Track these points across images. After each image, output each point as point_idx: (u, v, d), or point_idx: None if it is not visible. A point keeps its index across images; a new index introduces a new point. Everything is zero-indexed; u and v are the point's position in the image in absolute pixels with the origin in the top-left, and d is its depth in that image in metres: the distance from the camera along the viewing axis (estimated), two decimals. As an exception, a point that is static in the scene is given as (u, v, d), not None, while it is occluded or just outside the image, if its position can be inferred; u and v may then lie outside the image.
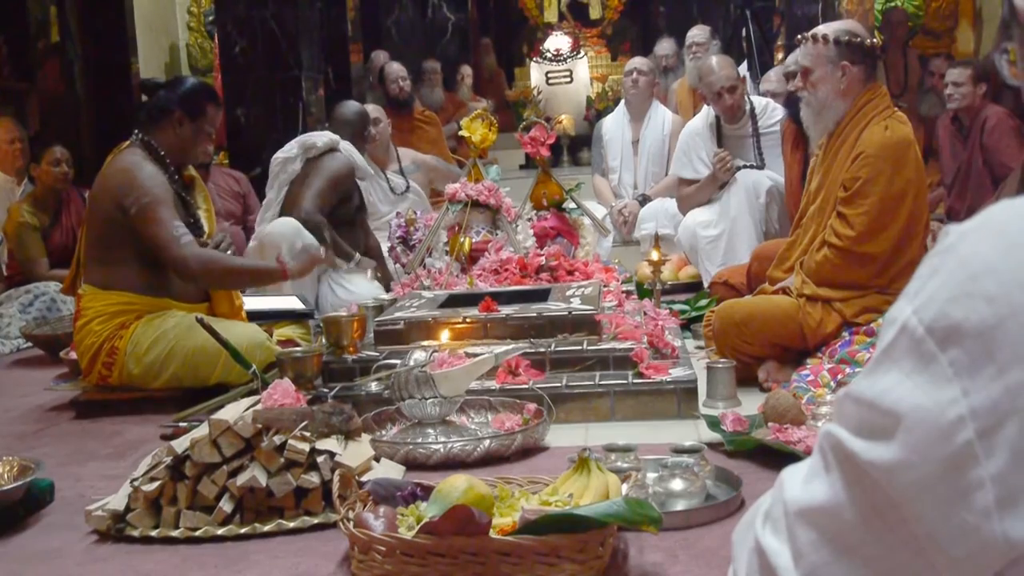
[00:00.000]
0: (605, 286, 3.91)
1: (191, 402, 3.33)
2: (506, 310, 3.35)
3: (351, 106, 5.45)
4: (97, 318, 3.53)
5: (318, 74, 6.95)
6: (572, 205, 4.58)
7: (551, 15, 12.10)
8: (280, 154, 4.93)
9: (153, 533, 2.25)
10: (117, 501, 2.32)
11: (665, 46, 7.96)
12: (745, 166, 5.17)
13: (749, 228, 4.96)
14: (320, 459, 2.28)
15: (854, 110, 3.34)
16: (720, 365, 3.16)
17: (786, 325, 3.29)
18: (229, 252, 3.77)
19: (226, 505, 2.26)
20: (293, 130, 6.37)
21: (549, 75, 10.19)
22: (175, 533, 2.24)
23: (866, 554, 0.75)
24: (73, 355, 3.90)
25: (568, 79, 10.21)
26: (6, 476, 2.55)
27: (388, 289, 4.59)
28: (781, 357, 3.32)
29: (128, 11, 8.29)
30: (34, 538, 2.35)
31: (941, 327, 0.72)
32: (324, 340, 3.48)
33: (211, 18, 9.43)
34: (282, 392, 2.44)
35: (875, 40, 3.45)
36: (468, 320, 3.34)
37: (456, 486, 1.94)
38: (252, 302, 4.03)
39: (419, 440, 2.71)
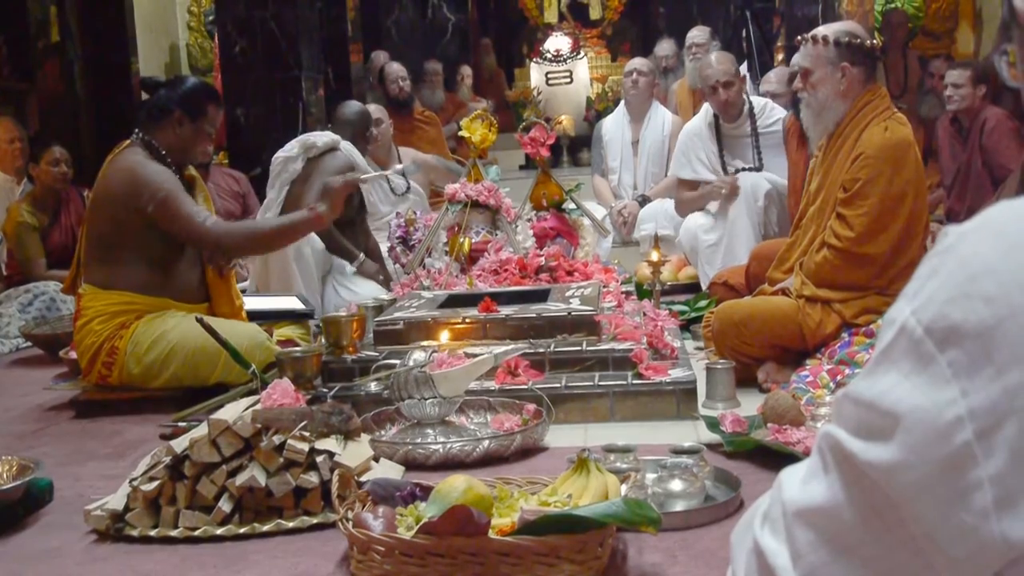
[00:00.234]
0: (605, 287, 3.91)
1: (190, 402, 3.33)
2: (505, 310, 3.35)
3: (352, 106, 5.46)
4: (97, 318, 3.53)
5: (318, 74, 6.95)
6: (572, 206, 4.58)
7: (551, 16, 12.10)
8: (281, 153, 4.94)
9: (152, 533, 2.25)
10: (116, 501, 2.32)
11: (665, 47, 7.96)
12: (743, 168, 5.17)
13: (748, 231, 4.94)
14: (319, 459, 2.28)
15: (854, 111, 3.35)
16: (719, 366, 3.16)
17: (785, 326, 3.29)
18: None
19: (225, 505, 2.26)
20: (293, 130, 6.37)
21: (549, 76, 10.19)
22: (174, 533, 2.24)
23: (865, 554, 0.75)
24: (72, 355, 3.90)
25: (568, 80, 10.21)
26: (5, 475, 2.55)
27: (389, 289, 4.59)
28: (780, 358, 3.32)
29: (128, 11, 8.29)
30: (33, 538, 2.35)
31: (940, 328, 0.72)
32: (323, 340, 3.48)
33: (211, 18, 9.44)
34: (281, 392, 2.44)
35: (875, 41, 3.45)
36: (467, 320, 3.34)
37: (455, 486, 1.94)
38: (252, 302, 4.03)
39: (418, 440, 2.71)
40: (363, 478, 2.27)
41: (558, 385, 3.06)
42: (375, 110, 6.09)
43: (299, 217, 3.72)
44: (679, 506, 2.21)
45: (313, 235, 4.64)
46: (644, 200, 6.24)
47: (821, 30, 3.45)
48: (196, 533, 2.23)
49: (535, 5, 12.24)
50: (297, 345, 3.79)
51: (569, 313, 3.30)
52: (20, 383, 4.27)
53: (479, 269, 4.00)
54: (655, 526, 1.81)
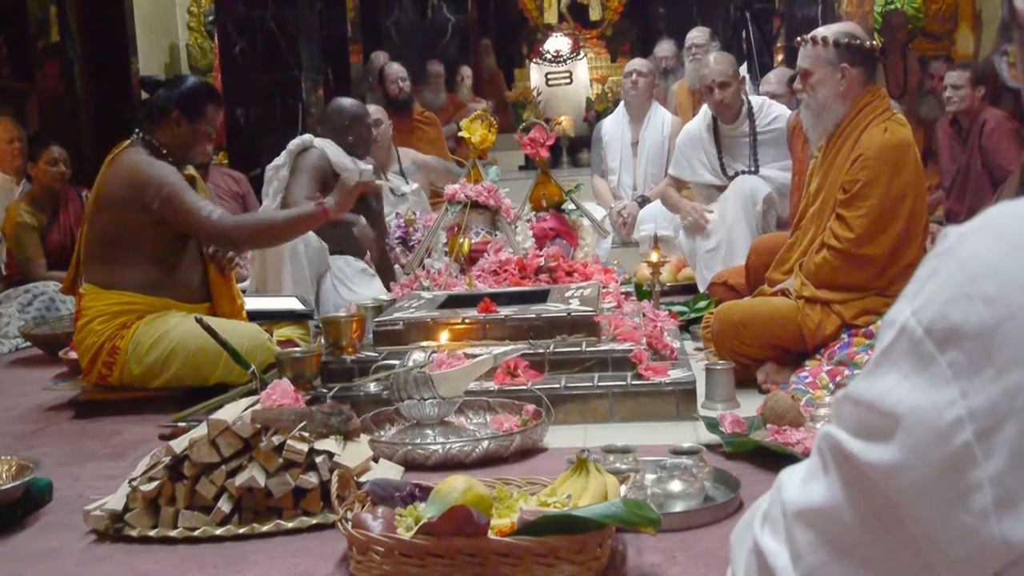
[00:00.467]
0: (604, 287, 3.91)
1: (190, 402, 3.33)
2: (505, 311, 3.35)
3: (333, 103, 5.42)
4: (98, 318, 3.53)
5: (318, 75, 6.95)
6: (571, 206, 4.58)
7: (551, 16, 12.10)
8: (273, 162, 4.99)
9: (151, 533, 2.25)
10: (116, 501, 2.32)
11: (665, 48, 7.96)
12: (742, 172, 5.16)
13: (745, 236, 4.92)
14: (319, 459, 2.28)
15: (853, 112, 3.35)
16: (719, 367, 3.16)
17: (785, 327, 3.29)
18: (228, 254, 3.77)
19: (224, 505, 2.26)
20: (292, 130, 6.37)
21: (549, 76, 10.19)
22: (173, 533, 2.24)
23: (864, 555, 0.75)
24: (72, 355, 3.90)
25: (568, 80, 10.21)
26: (5, 475, 2.55)
27: (391, 284, 4.60)
28: (780, 359, 3.32)
29: (128, 11, 8.29)
30: (32, 538, 2.35)
31: (940, 329, 0.72)
32: (323, 340, 3.48)
33: (211, 18, 9.44)
34: (281, 392, 2.44)
35: (875, 42, 3.45)
36: (467, 321, 3.34)
37: (455, 487, 1.94)
38: (252, 302, 4.03)
39: (418, 441, 2.71)
40: (362, 478, 2.27)
41: (557, 386, 3.06)
42: (375, 111, 6.08)
43: (306, 210, 3.72)
44: (678, 507, 2.21)
45: (310, 239, 4.65)
46: (643, 201, 6.24)
47: (821, 31, 3.45)
48: (195, 533, 2.23)
49: (535, 6, 12.24)
50: (297, 345, 3.79)
51: (568, 314, 3.30)
52: (19, 383, 4.26)
53: (479, 270, 4.00)
54: (654, 527, 1.81)
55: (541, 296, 3.57)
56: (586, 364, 3.17)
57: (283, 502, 2.27)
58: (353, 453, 2.35)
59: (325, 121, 5.30)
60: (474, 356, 2.92)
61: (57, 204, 5.68)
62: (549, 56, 10.43)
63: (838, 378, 3.06)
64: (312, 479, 2.27)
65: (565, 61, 10.35)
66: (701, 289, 4.88)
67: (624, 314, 3.58)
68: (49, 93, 7.79)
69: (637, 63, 6.64)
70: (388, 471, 2.46)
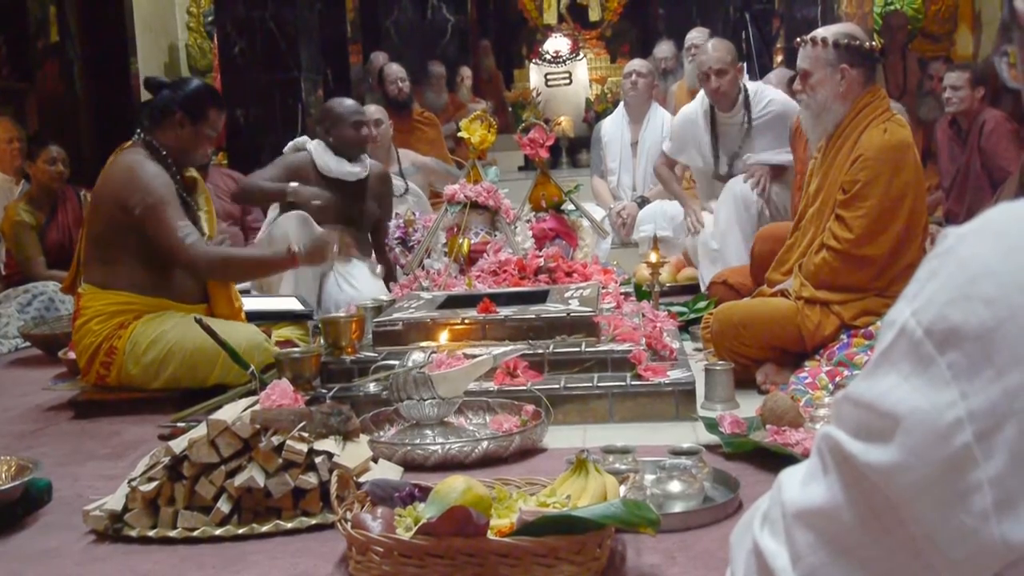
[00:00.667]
0: (603, 288, 3.91)
1: (189, 402, 3.33)
2: (504, 311, 3.35)
3: (326, 103, 5.42)
4: (96, 318, 3.53)
5: (317, 75, 6.95)
6: (571, 207, 4.58)
7: (550, 17, 12.10)
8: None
9: (151, 533, 2.25)
10: (115, 501, 2.32)
11: (664, 48, 7.96)
12: (732, 156, 5.12)
13: (738, 241, 4.92)
14: (318, 460, 2.28)
15: (853, 113, 3.35)
16: (718, 367, 3.16)
17: (784, 327, 3.29)
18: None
19: (224, 505, 2.26)
20: (292, 131, 6.38)
21: (548, 77, 10.20)
22: (173, 533, 2.24)
23: (864, 556, 0.75)
24: (71, 355, 3.90)
25: (567, 81, 10.22)
26: (4, 475, 2.55)
27: (391, 281, 4.60)
28: (779, 359, 3.32)
29: (127, 11, 8.30)
30: (32, 538, 2.35)
31: (940, 330, 0.72)
32: (322, 341, 3.48)
33: (210, 18, 9.44)
34: (280, 393, 2.44)
35: (874, 43, 3.45)
36: (466, 321, 3.33)
37: (454, 487, 1.94)
38: (251, 303, 4.03)
39: (417, 441, 2.71)
40: (362, 479, 2.27)
41: (557, 386, 3.06)
42: (375, 111, 6.08)
43: (276, 255, 3.75)
44: (678, 507, 2.21)
45: (317, 226, 4.65)
46: (643, 201, 6.24)
47: (820, 32, 3.45)
48: (195, 533, 2.23)
49: (534, 6, 12.24)
50: (296, 346, 3.79)
51: (568, 314, 3.30)
52: (19, 383, 4.26)
53: (478, 270, 4.00)
54: (654, 527, 1.81)
55: (540, 297, 3.57)
56: (585, 364, 3.17)
57: (282, 502, 2.27)
58: (352, 453, 2.35)
59: (317, 121, 5.32)
60: (473, 356, 2.92)
61: (55, 203, 5.67)
62: (548, 57, 10.44)
63: (837, 379, 3.06)
64: (311, 479, 2.27)
65: (564, 62, 10.35)
66: (703, 287, 4.88)
67: (623, 315, 3.58)
68: (49, 93, 7.80)
69: (636, 64, 6.64)
70: (387, 471, 2.46)
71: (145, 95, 4.34)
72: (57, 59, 7.82)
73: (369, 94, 8.30)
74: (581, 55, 10.67)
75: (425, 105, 7.99)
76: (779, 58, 8.01)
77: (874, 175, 3.22)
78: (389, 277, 4.91)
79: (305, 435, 2.31)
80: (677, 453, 2.37)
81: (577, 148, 9.54)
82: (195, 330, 3.31)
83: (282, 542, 2.20)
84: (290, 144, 5.09)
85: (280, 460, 2.27)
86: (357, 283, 4.75)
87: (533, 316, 3.32)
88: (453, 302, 3.58)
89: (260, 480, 2.24)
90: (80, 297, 3.61)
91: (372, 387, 3.15)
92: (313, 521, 2.25)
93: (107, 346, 3.51)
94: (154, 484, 2.29)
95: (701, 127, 5.23)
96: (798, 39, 3.56)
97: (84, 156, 7.16)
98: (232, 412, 2.38)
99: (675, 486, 2.25)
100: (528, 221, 4.43)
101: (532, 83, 10.22)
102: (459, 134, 4.65)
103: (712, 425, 2.72)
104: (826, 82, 3.35)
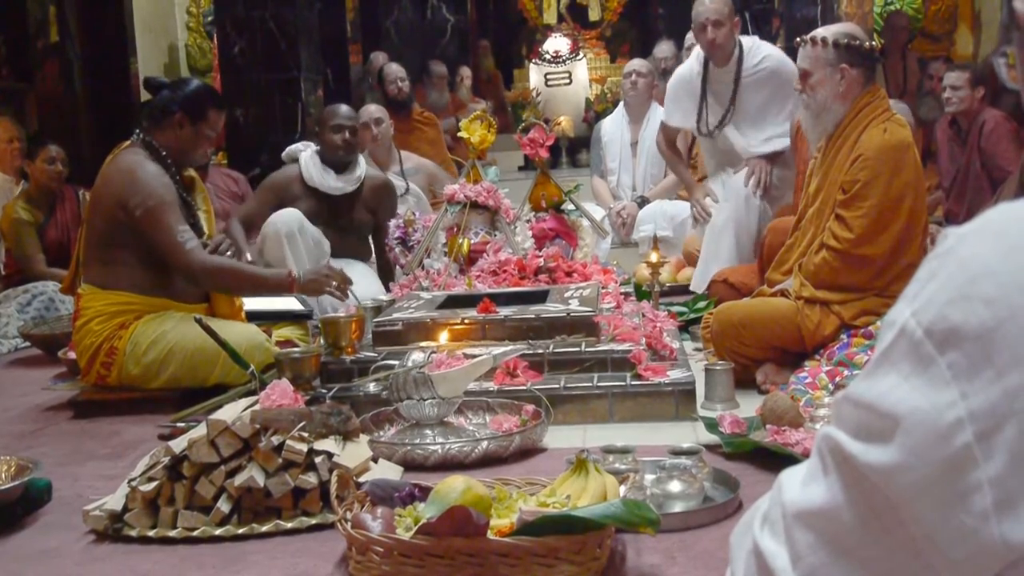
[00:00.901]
0: (603, 288, 3.91)
1: (189, 402, 3.33)
2: (504, 311, 3.35)
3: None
4: (96, 318, 3.53)
5: (317, 75, 6.95)
6: (571, 206, 4.58)
7: (550, 17, 12.10)
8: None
9: (151, 533, 2.25)
10: (115, 501, 2.32)
11: (664, 48, 7.95)
12: (716, 128, 5.04)
13: (731, 244, 4.92)
14: (318, 460, 2.28)
15: (853, 113, 3.35)
16: (718, 367, 3.16)
17: (784, 327, 3.29)
18: (228, 254, 3.77)
19: (224, 505, 2.26)
20: (292, 131, 6.38)
21: (548, 77, 10.20)
22: (173, 533, 2.24)
23: (864, 556, 0.75)
24: (71, 355, 3.90)
25: (567, 81, 10.22)
26: (4, 475, 2.55)
27: (389, 288, 4.59)
28: (779, 359, 3.32)
29: (127, 11, 8.30)
30: (31, 538, 2.35)
31: (940, 330, 0.72)
32: (322, 341, 3.48)
33: (210, 18, 9.44)
34: (280, 393, 2.44)
35: (874, 43, 3.45)
36: (466, 321, 3.34)
37: (454, 487, 1.94)
38: (251, 303, 4.02)
39: (417, 441, 2.71)
40: (362, 479, 2.27)
41: (557, 386, 3.06)
42: (376, 110, 6.08)
43: (275, 276, 3.71)
44: (678, 507, 2.21)
45: (309, 231, 4.65)
46: (643, 201, 6.24)
47: (820, 32, 3.45)
48: (195, 533, 2.23)
49: (534, 6, 12.23)
50: (296, 346, 3.79)
51: (568, 314, 3.30)
52: (19, 383, 4.26)
53: (478, 270, 4.00)
54: (654, 527, 1.81)
55: (540, 296, 3.57)
56: (585, 364, 3.17)
57: (282, 502, 2.27)
58: (352, 453, 2.35)
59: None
60: (473, 356, 2.92)
61: (54, 202, 5.68)
62: (548, 57, 10.43)
63: (837, 379, 3.06)
64: (311, 479, 2.27)
65: (564, 62, 10.35)
66: (694, 284, 4.88)
67: (623, 314, 3.58)
68: (48, 93, 7.80)
69: (636, 64, 6.64)
70: (387, 471, 2.46)
71: (145, 95, 4.34)
72: (57, 59, 7.82)
73: (369, 94, 8.30)
74: (581, 55, 10.67)
75: (427, 105, 7.99)
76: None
77: (874, 175, 3.22)
78: (388, 277, 4.91)
79: (305, 435, 2.31)
80: (677, 453, 2.37)
81: (577, 148, 9.54)
82: (195, 330, 3.31)
83: (282, 542, 2.20)
84: (286, 152, 5.07)
85: (280, 460, 2.27)
86: (355, 284, 4.73)
87: (533, 316, 3.32)
88: (453, 302, 3.58)
89: (260, 480, 2.25)
90: (80, 297, 3.61)
91: (372, 387, 3.15)
92: (313, 521, 2.25)
93: (107, 346, 3.51)
94: (154, 484, 2.29)
95: (695, 83, 5.11)
96: (798, 39, 3.56)
97: (83, 156, 7.15)
98: (232, 412, 2.38)
99: (675, 486, 2.25)
100: (528, 221, 4.43)
101: (532, 83, 10.22)
102: (459, 134, 4.65)
103: (712, 425, 2.72)
104: (826, 82, 3.36)
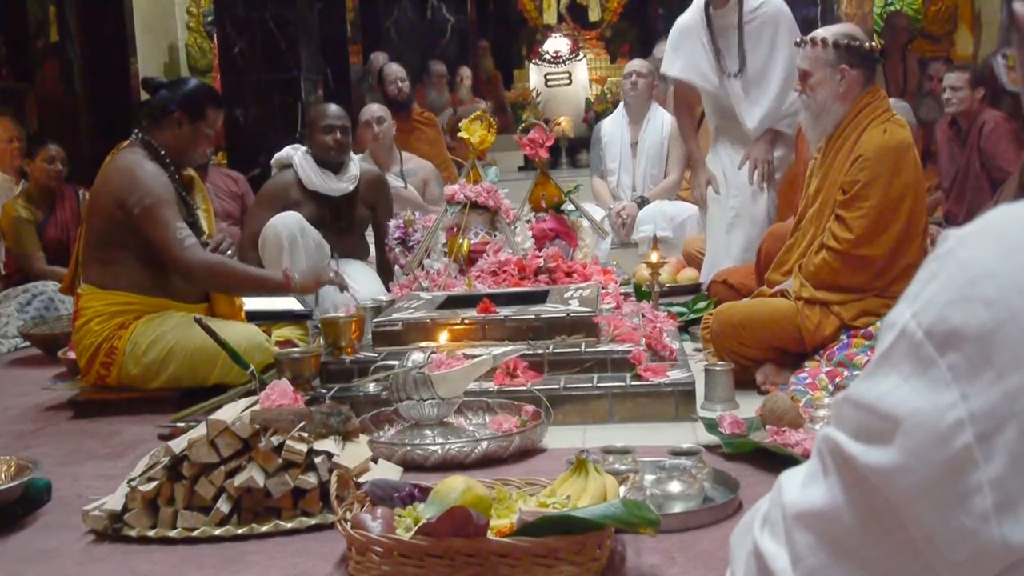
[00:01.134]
0: (603, 288, 3.91)
1: (189, 402, 3.33)
2: (504, 312, 3.35)
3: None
4: (96, 318, 3.53)
5: (317, 75, 6.95)
6: (571, 207, 4.58)
7: (550, 17, 12.10)
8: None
9: (150, 533, 2.25)
10: (114, 501, 2.32)
11: (664, 48, 7.95)
12: (734, 74, 4.88)
13: (740, 241, 4.92)
14: (318, 460, 2.28)
15: (853, 113, 3.35)
16: (718, 368, 3.16)
17: (784, 328, 3.29)
18: (229, 253, 3.77)
19: (223, 505, 2.26)
20: (292, 131, 6.38)
21: (548, 77, 10.20)
22: (172, 533, 2.24)
23: (864, 557, 0.75)
24: (71, 355, 3.90)
25: (567, 81, 10.22)
26: (3, 475, 2.55)
27: (389, 288, 4.58)
28: (779, 360, 3.33)
29: (127, 11, 8.30)
30: (31, 538, 2.35)
31: (940, 331, 0.72)
32: (322, 341, 3.48)
33: (210, 18, 9.44)
34: (280, 393, 2.44)
35: (874, 43, 3.45)
36: (466, 321, 3.34)
37: (454, 487, 1.94)
38: (251, 303, 4.03)
39: (417, 441, 2.71)
40: (361, 479, 2.27)
41: (557, 386, 3.06)
42: (377, 109, 6.08)
43: (271, 277, 3.73)
44: (677, 508, 2.21)
45: (310, 234, 4.64)
46: (643, 201, 6.25)
47: (820, 32, 3.45)
48: (194, 534, 2.23)
49: (534, 6, 12.23)
50: (296, 346, 3.79)
51: (568, 314, 3.30)
52: (18, 383, 4.26)
53: (478, 270, 4.00)
54: (653, 528, 1.81)
55: (540, 297, 3.57)
56: (585, 365, 3.17)
57: (282, 502, 2.27)
58: (352, 454, 2.35)
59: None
60: (473, 357, 2.92)
61: (54, 202, 5.68)
62: (548, 57, 10.44)
63: (837, 379, 3.06)
64: (311, 479, 2.27)
65: (564, 62, 10.35)
66: (702, 273, 4.87)
67: (623, 315, 3.58)
68: (48, 93, 7.80)
69: (636, 64, 6.64)
70: (387, 472, 2.46)
71: (144, 96, 4.34)
72: (57, 59, 7.82)
73: (369, 94, 8.30)
74: (581, 55, 10.67)
75: (427, 104, 7.99)
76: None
77: (874, 175, 3.22)
78: (387, 276, 4.91)
79: (305, 435, 2.31)
80: (677, 453, 2.37)
81: (577, 148, 9.54)
82: (195, 330, 3.31)
83: (282, 542, 2.20)
84: (277, 158, 5.02)
85: (280, 460, 2.27)
86: (355, 283, 4.74)
87: (533, 316, 3.32)
88: (453, 302, 3.58)
89: (260, 480, 2.25)
90: (80, 297, 3.61)
91: (372, 387, 3.15)
92: (313, 521, 2.25)
93: (107, 346, 3.51)
94: (154, 484, 2.29)
95: (700, 30, 4.93)
96: (798, 39, 3.57)
97: (83, 156, 7.15)
98: (232, 412, 2.38)
99: (675, 486, 2.25)
100: (528, 221, 4.44)
101: (532, 83, 10.21)
102: (459, 135, 4.65)
103: (712, 425, 2.72)
104: (826, 82, 3.36)
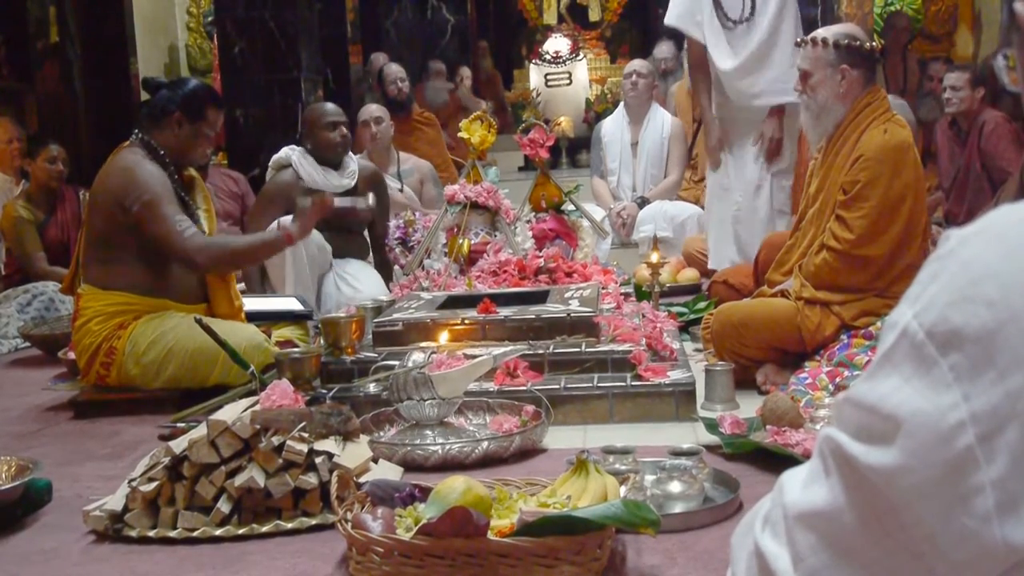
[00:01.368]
0: (603, 288, 3.91)
1: (189, 403, 3.33)
2: (505, 312, 3.35)
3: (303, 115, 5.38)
4: (96, 318, 3.53)
5: (317, 75, 6.95)
6: (571, 207, 4.58)
7: (550, 17, 12.11)
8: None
9: (151, 533, 2.25)
10: (115, 501, 2.32)
11: (664, 49, 7.97)
12: (746, 19, 4.80)
13: (739, 235, 4.92)
14: (318, 460, 2.28)
15: (853, 113, 3.35)
16: (718, 368, 3.16)
17: (784, 328, 3.29)
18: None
19: (224, 506, 2.26)
20: (292, 131, 6.37)
21: (548, 77, 10.20)
22: (173, 534, 2.24)
23: (865, 558, 0.75)
24: (71, 355, 3.90)
25: (567, 81, 10.22)
26: (4, 476, 2.55)
27: (389, 289, 4.59)
28: (779, 360, 3.32)
29: (127, 11, 8.30)
30: (31, 538, 2.35)
31: (941, 332, 0.72)
32: (322, 341, 3.48)
33: (210, 19, 9.44)
34: (280, 393, 2.44)
35: (874, 44, 3.45)
36: (467, 322, 3.33)
37: (454, 487, 1.94)
38: (251, 303, 4.03)
39: (417, 441, 2.71)
40: (362, 479, 2.27)
41: (557, 386, 3.06)
42: (376, 109, 6.08)
43: (270, 236, 3.77)
44: (678, 508, 2.21)
45: (312, 238, 4.64)
46: (643, 202, 6.25)
47: (820, 32, 3.45)
48: (195, 534, 2.23)
49: (534, 6, 12.24)
50: (296, 346, 3.79)
51: (568, 315, 3.30)
52: (19, 383, 4.26)
53: (478, 270, 4.00)
54: (654, 528, 1.81)
55: (540, 297, 3.57)
56: (585, 365, 3.17)
57: (282, 503, 2.27)
58: (352, 454, 2.35)
59: (299, 132, 5.29)
60: (474, 357, 2.92)
61: (54, 202, 5.68)
62: (548, 57, 10.44)
63: (838, 379, 3.06)
64: (311, 480, 2.27)
65: (564, 62, 10.36)
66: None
67: (623, 315, 3.58)
68: (48, 93, 7.80)
69: (636, 64, 6.64)
70: (387, 472, 2.46)
71: (144, 96, 4.34)
72: (57, 59, 7.82)
73: (369, 94, 8.30)
74: (581, 55, 10.68)
75: (426, 103, 7.99)
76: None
77: (874, 176, 3.22)
78: (387, 274, 4.91)
79: (305, 435, 2.31)
80: (677, 454, 2.37)
81: (577, 148, 9.55)
82: (195, 330, 3.31)
83: (282, 542, 2.20)
84: (275, 159, 4.99)
85: (280, 460, 2.27)
86: (356, 283, 4.74)
87: (533, 316, 3.32)
88: (453, 302, 3.58)
89: (260, 480, 2.24)
90: (80, 297, 3.61)
91: (372, 387, 3.15)
92: (313, 521, 2.25)
93: (107, 346, 3.51)
94: (154, 484, 2.29)
95: None
96: (798, 39, 3.56)
97: (83, 156, 7.16)
98: (232, 412, 2.38)
99: (675, 487, 2.25)
100: (528, 221, 4.44)
101: (532, 83, 10.23)
102: (459, 135, 4.65)
103: (712, 426, 2.72)
104: (826, 83, 3.36)
